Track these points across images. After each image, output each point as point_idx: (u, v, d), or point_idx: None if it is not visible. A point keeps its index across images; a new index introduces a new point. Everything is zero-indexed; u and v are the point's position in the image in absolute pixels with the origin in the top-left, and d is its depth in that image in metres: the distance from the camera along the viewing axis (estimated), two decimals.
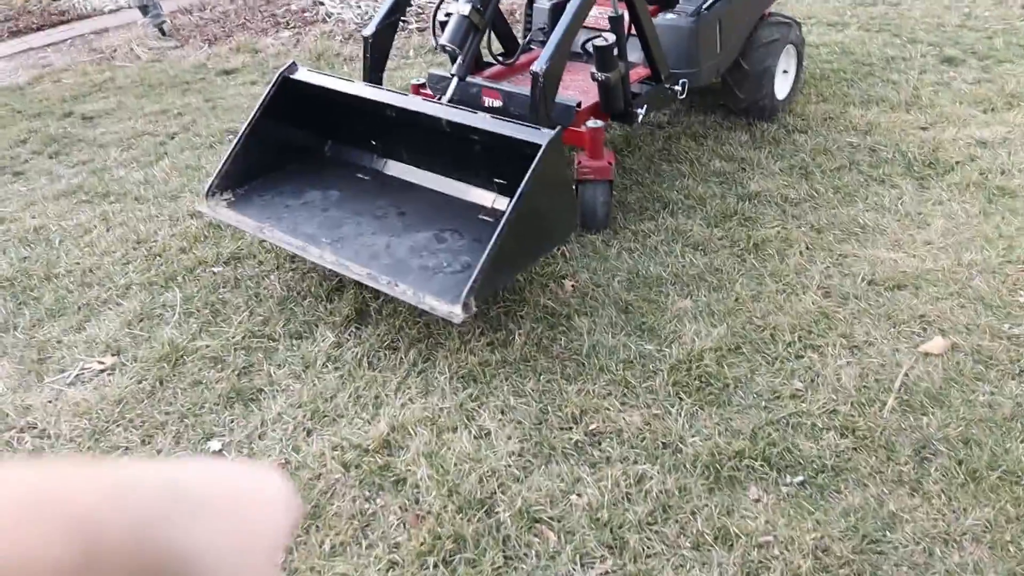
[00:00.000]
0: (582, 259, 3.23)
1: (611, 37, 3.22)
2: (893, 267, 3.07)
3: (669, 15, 3.74)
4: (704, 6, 3.67)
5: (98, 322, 3.02)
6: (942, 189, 3.60)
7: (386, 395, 2.60)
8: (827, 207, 3.49)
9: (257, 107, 3.31)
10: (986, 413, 2.40)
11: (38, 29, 7.60)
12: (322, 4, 6.67)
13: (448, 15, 3.21)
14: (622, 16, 3.26)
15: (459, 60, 3.22)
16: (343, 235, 3.06)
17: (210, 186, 3.25)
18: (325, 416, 2.54)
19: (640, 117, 3.52)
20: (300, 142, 3.52)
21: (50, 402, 2.65)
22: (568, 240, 3.26)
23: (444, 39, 3.18)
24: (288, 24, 6.47)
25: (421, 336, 2.85)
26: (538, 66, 2.96)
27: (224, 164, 3.27)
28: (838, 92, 4.60)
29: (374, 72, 3.49)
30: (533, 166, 2.65)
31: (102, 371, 2.78)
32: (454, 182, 3.23)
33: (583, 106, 3.38)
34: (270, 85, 3.32)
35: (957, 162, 3.80)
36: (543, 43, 3.94)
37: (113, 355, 2.86)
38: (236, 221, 3.18)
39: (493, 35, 3.86)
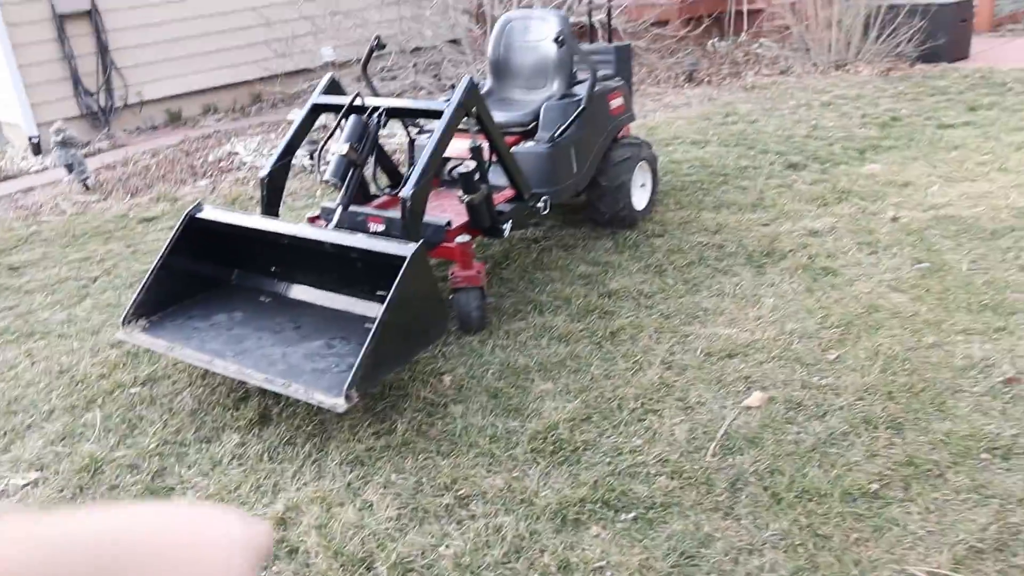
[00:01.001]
0: (460, 356, 3.66)
1: (472, 164, 3.78)
2: (727, 340, 3.57)
3: (529, 143, 4.34)
4: (558, 134, 4.28)
5: (23, 443, 3.31)
6: (775, 273, 4.16)
7: (283, 482, 2.94)
8: (675, 297, 4.02)
9: (166, 244, 3.75)
10: (792, 448, 2.85)
11: None
12: (236, 154, 7.24)
13: (332, 154, 3.74)
14: (480, 146, 3.82)
15: (342, 192, 3.73)
16: (245, 348, 3.46)
17: (126, 315, 3.64)
18: (229, 503, 2.86)
19: (507, 231, 4.05)
20: (208, 273, 3.95)
21: None
22: (443, 340, 3.70)
23: (327, 175, 3.70)
24: (206, 173, 7.00)
25: (316, 431, 3.22)
26: (405, 192, 3.48)
27: (138, 295, 3.68)
28: (694, 200, 5.24)
29: (270, 207, 3.98)
30: (400, 275, 3.12)
31: (25, 485, 3.07)
32: (343, 297, 3.68)
33: (454, 225, 3.90)
34: (178, 223, 3.78)
35: (790, 250, 4.39)
36: None
37: (37, 471, 3.15)
38: (149, 344, 3.57)
39: (380, 169, 4.42)
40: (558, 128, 4.28)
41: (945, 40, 8.61)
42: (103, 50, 9.28)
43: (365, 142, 3.76)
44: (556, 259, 4.57)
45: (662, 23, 9.39)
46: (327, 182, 3.72)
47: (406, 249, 3.19)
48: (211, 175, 6.98)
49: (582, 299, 4.07)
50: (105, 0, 9.12)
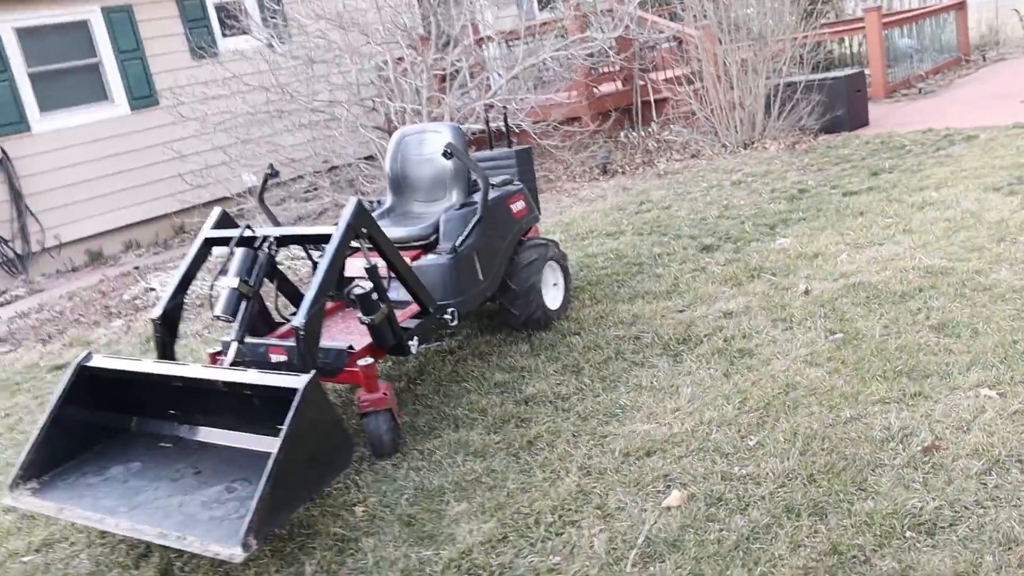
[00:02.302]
0: (373, 483, 3.50)
1: (368, 285, 3.69)
2: (645, 437, 3.47)
3: (430, 256, 4.29)
4: (459, 244, 4.24)
5: None
6: (692, 360, 4.10)
7: None
8: (592, 396, 3.92)
9: (56, 397, 3.57)
10: (714, 548, 2.72)
11: None
12: (153, 290, 7.08)
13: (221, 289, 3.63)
14: (375, 266, 3.75)
15: (235, 326, 3.61)
16: (140, 502, 3.25)
17: (14, 478, 3.42)
18: None
19: (414, 348, 3.94)
20: (105, 422, 3.75)
21: None
22: (356, 467, 3.53)
23: (217, 310, 3.58)
24: (120, 313, 6.81)
25: None
26: (297, 321, 3.37)
27: (27, 454, 3.46)
28: (609, 292, 5.21)
29: (165, 348, 3.82)
30: (293, 409, 2.98)
31: None
32: (246, 435, 3.51)
33: (356, 348, 3.79)
34: (67, 375, 3.60)
35: (706, 335, 4.35)
36: (332, 298, 4.43)
37: None
38: (38, 507, 3.34)
39: (283, 296, 4.32)
40: (458, 238, 4.24)
41: (844, 110, 8.93)
42: (16, 196, 9.16)
43: (258, 273, 3.67)
44: (471, 369, 4.46)
45: (574, 119, 9.60)
46: (218, 318, 3.59)
47: (298, 381, 3.06)
48: (126, 315, 6.80)
49: (498, 408, 3.95)
50: (16, 147, 9.06)
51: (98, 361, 3.63)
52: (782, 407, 3.53)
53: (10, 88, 8.98)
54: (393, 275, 3.94)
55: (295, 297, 4.39)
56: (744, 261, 5.38)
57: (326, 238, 3.61)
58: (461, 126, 5.33)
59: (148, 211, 9.91)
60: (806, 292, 4.69)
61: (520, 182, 5.12)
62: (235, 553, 2.79)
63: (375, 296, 3.72)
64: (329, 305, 4.29)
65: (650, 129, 9.90)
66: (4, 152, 9.04)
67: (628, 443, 3.45)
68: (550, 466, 3.39)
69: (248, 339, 3.63)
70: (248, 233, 3.79)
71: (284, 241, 3.79)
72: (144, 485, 3.38)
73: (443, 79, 8.66)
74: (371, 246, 3.76)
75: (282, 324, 4.25)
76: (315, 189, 8.95)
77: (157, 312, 3.80)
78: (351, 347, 3.74)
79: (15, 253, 9.20)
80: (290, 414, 2.98)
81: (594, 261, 5.92)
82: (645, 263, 5.70)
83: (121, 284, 7.98)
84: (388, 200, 4.90)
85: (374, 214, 4.68)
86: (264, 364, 3.62)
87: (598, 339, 4.54)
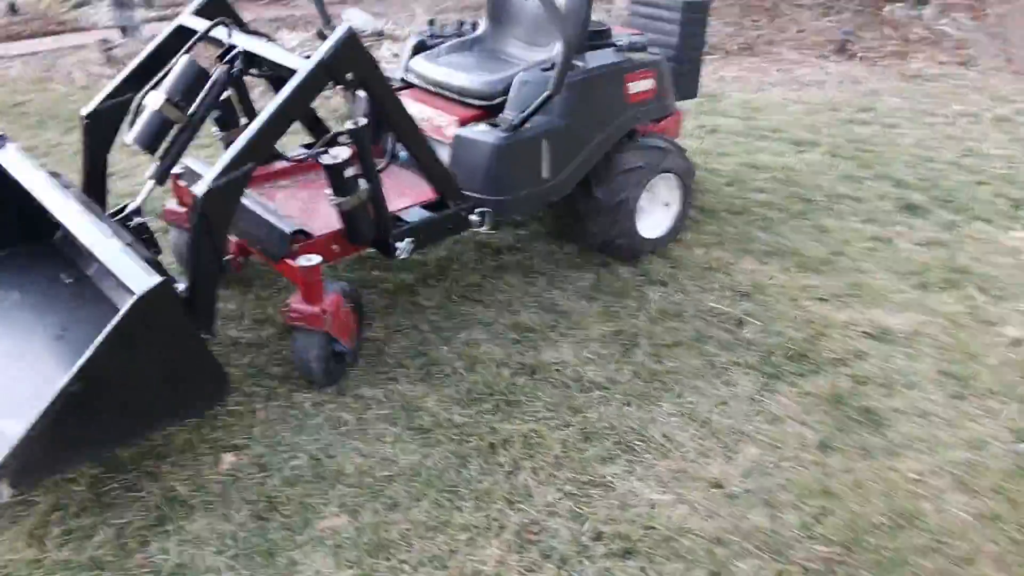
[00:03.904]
0: (272, 423, 2.52)
1: (341, 153, 2.52)
2: (640, 519, 2.24)
3: (479, 127, 3.01)
4: (518, 122, 2.92)
5: None
6: (790, 397, 2.73)
7: None
8: (620, 400, 2.67)
9: None
10: None
11: None
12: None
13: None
14: (364, 127, 2.54)
15: (154, 166, 2.58)
16: None
17: None
18: None
19: (403, 252, 2.79)
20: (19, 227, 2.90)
21: None
22: (212, 408, 2.54)
23: (129, 136, 2.54)
24: None
25: None
26: (198, 187, 2.27)
27: None
28: (743, 236, 3.75)
29: (94, 160, 2.85)
30: (110, 326, 1.97)
31: None
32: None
33: (316, 233, 2.69)
34: None
35: (832, 361, 2.91)
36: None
37: None
38: None
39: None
40: (526, 111, 2.92)
41: None
42: None
43: (207, 97, 2.57)
44: (503, 288, 3.27)
45: None
46: (130, 145, 2.55)
47: (139, 282, 2.02)
48: None
49: (492, 369, 2.80)
50: None
51: (5, 155, 2.71)
52: (878, 548, 2.17)
53: None
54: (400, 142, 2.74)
55: (317, 125, 3.28)
56: (950, 249, 3.71)
57: (292, 72, 2.43)
58: None
59: None
60: (1017, 343, 3.07)
61: (671, 50, 3.63)
62: None
63: (353, 170, 2.55)
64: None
65: (923, 11, 7.58)
66: None
67: (610, 517, 2.24)
68: (491, 507, 2.25)
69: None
70: (216, 34, 2.67)
71: (251, 61, 2.63)
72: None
73: None
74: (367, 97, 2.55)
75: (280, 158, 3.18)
76: None
77: (87, 109, 2.80)
78: (301, 231, 2.63)
79: None
80: (103, 333, 1.97)
81: (753, 177, 4.37)
82: (817, 204, 4.12)
83: None
84: (482, 27, 3.56)
85: (450, 42, 3.40)
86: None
87: (684, 305, 3.20)
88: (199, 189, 2.26)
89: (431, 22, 3.63)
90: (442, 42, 3.48)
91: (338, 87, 2.48)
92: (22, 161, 2.66)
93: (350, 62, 2.43)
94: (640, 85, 3.25)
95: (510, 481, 2.34)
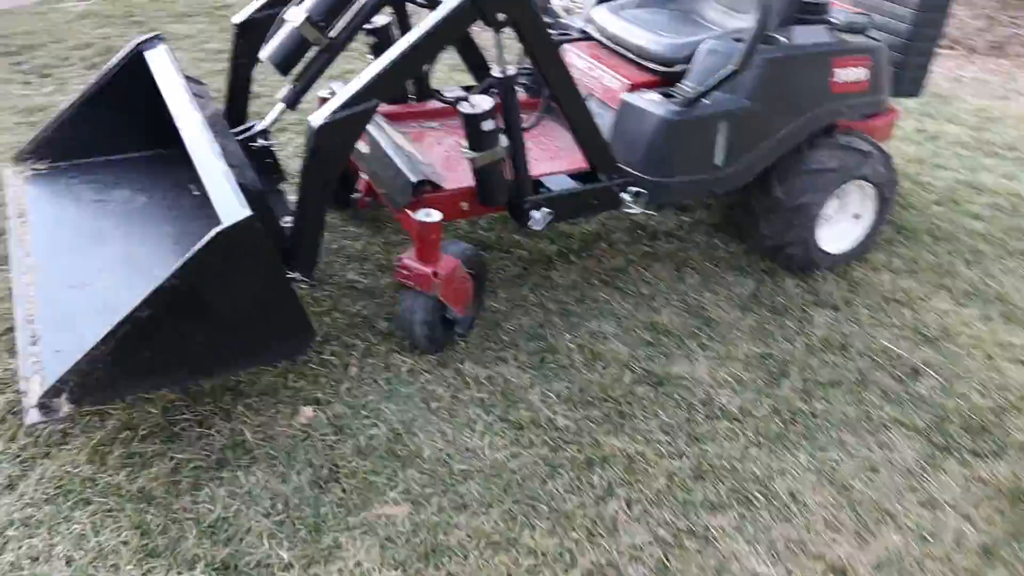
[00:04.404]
0: (362, 383, 2.35)
1: (482, 103, 2.24)
2: None
3: (650, 95, 2.63)
4: (694, 97, 2.52)
5: None
6: (958, 480, 2.25)
7: None
8: (752, 439, 2.29)
9: (101, 75, 2.70)
10: None
11: None
12: None
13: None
14: (512, 77, 2.25)
15: (288, 87, 2.40)
16: (82, 250, 2.39)
17: (23, 150, 2.73)
18: None
19: (538, 223, 2.50)
20: (149, 128, 2.84)
21: None
22: (297, 358, 2.37)
23: (264, 52, 2.37)
24: None
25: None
26: (316, 118, 2.06)
27: (46, 130, 2.74)
28: (943, 267, 3.18)
29: (239, 70, 2.71)
30: (189, 254, 1.82)
31: None
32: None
33: (446, 186, 2.44)
34: (121, 56, 2.68)
35: (1023, 444, 2.39)
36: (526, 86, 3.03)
37: None
38: (17, 191, 2.63)
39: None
40: (706, 85, 2.52)
41: None
42: None
43: (351, 21, 2.36)
44: (645, 279, 2.92)
45: None
46: (264, 61, 2.38)
47: (226, 214, 1.86)
48: None
49: (613, 370, 2.49)
50: None
51: (155, 55, 2.63)
52: None
53: None
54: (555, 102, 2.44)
55: (480, 70, 3.02)
56: None
57: (434, 5, 2.16)
58: None
59: None
60: None
61: (899, 37, 3.09)
62: (30, 414, 1.84)
63: (492, 124, 2.27)
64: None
65: None
66: None
67: None
68: (564, 534, 1.96)
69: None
70: None
71: None
72: (117, 230, 2.51)
73: None
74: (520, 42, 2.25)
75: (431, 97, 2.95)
76: None
77: (241, 17, 2.65)
78: (426, 181, 2.38)
79: None
80: (179, 262, 1.82)
81: (970, 200, 3.73)
82: None
83: None
84: None
85: None
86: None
87: (851, 337, 2.73)
88: (315, 121, 2.05)
89: None
90: None
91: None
92: (167, 65, 2.56)
93: (505, 1, 2.13)
94: (850, 73, 2.76)
95: (598, 508, 2.04)
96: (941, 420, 2.43)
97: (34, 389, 1.90)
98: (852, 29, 2.74)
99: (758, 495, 2.13)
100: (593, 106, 2.70)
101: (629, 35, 2.84)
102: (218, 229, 1.83)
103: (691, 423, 2.33)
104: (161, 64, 2.58)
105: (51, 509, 1.92)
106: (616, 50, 2.91)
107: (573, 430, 2.26)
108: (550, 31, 2.92)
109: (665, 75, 2.74)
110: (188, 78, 2.59)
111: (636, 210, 2.63)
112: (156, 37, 2.69)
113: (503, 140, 2.33)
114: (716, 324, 2.73)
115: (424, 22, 2.12)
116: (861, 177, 2.87)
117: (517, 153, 2.39)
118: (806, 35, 2.73)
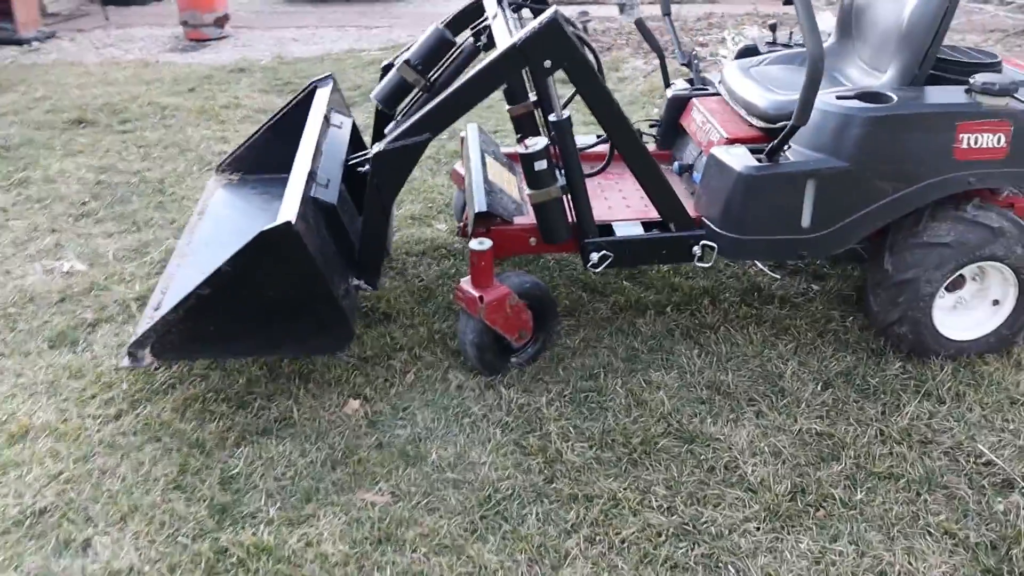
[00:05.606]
0: (412, 388, 2.63)
1: (538, 143, 2.40)
2: None
3: (738, 148, 2.60)
4: (775, 149, 2.46)
5: None
6: None
7: None
8: (752, 511, 2.17)
9: (285, 105, 3.29)
10: None
11: None
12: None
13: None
14: (567, 120, 2.39)
15: (392, 123, 2.75)
16: (226, 243, 2.92)
17: (223, 162, 3.38)
18: None
19: (596, 264, 2.59)
20: None
21: None
22: (339, 354, 2.69)
23: (374, 92, 2.74)
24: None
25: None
26: (377, 146, 2.37)
27: (239, 148, 3.37)
28: None
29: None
30: (237, 249, 2.22)
31: None
32: None
33: (512, 219, 2.63)
34: (301, 91, 3.24)
35: None
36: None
37: None
38: (210, 193, 3.26)
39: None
40: (776, 140, 2.45)
41: None
42: None
43: (448, 66, 2.66)
44: (733, 340, 2.85)
45: None
46: (371, 99, 2.75)
47: (277, 217, 2.24)
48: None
49: (649, 421, 2.49)
50: None
51: (321, 92, 3.14)
52: None
53: None
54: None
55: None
56: None
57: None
58: None
59: None
60: None
61: None
62: (123, 359, 2.37)
63: (545, 163, 2.42)
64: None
65: None
66: None
67: None
68: (510, 555, 2.05)
69: None
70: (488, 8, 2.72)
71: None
72: (250, 233, 3.03)
73: None
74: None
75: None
76: None
77: (388, 60, 3.04)
78: (489, 213, 2.58)
79: None
80: (231, 253, 2.23)
81: None
82: None
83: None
84: (830, 39, 3.03)
85: (783, 52, 3.01)
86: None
87: (941, 434, 2.44)
88: (375, 149, 2.36)
89: (772, 27, 3.19)
90: (776, 50, 3.05)
91: None
92: (322, 99, 3.04)
93: (549, 49, 2.29)
94: (981, 139, 2.49)
95: (558, 540, 2.09)
96: (1008, 544, 2.11)
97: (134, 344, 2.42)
98: (988, 91, 2.47)
99: (730, 568, 2.03)
100: (703, 160, 2.74)
101: (743, 90, 2.82)
102: (261, 229, 2.20)
103: (700, 484, 2.27)
104: (319, 98, 3.07)
105: (132, 439, 2.41)
106: (732, 106, 2.90)
107: (576, 466, 2.32)
108: (689, 85, 3.02)
109: (768, 131, 2.68)
110: (338, 110, 3.05)
111: (706, 264, 2.60)
112: (328, 77, 3.20)
113: (560, 179, 2.47)
114: (784, 394, 2.60)
115: (477, 66, 2.35)
116: (990, 257, 2.56)
117: (576, 194, 2.50)
118: (934, 95, 2.53)
